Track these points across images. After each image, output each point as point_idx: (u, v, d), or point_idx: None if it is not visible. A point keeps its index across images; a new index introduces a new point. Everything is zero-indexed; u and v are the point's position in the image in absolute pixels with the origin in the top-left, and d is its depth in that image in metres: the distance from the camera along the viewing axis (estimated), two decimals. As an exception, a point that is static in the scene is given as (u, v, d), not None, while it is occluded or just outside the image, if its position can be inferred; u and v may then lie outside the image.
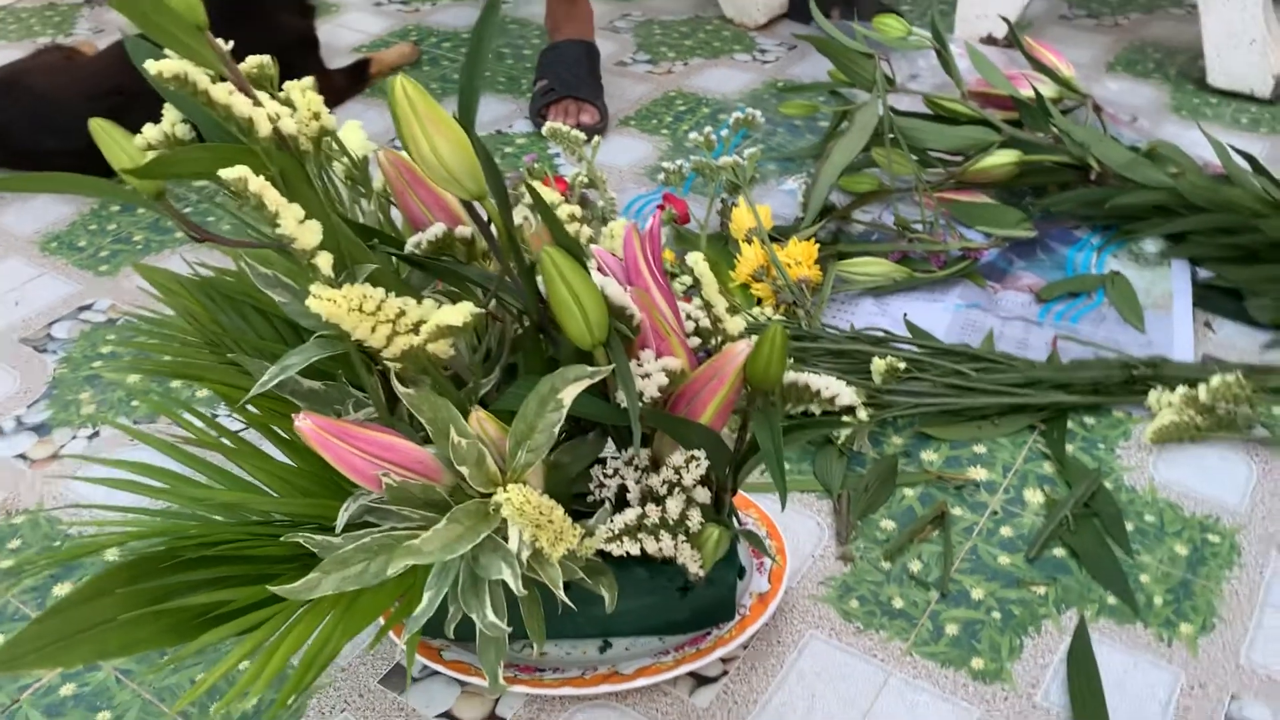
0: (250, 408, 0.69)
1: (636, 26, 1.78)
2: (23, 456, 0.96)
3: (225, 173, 0.51)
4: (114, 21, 1.83)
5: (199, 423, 0.71)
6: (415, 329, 0.57)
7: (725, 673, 0.76)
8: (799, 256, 1.08)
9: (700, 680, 0.76)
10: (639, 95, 1.56)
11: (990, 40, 1.62)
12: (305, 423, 0.56)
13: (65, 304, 1.16)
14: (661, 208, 1.22)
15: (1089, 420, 0.97)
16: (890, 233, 1.18)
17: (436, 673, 0.75)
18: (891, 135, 1.19)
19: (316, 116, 0.61)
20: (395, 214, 0.83)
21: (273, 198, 0.52)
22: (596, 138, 1.15)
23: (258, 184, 0.52)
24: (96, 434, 0.98)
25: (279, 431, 0.70)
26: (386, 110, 1.66)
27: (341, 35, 1.77)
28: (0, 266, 1.22)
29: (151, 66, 0.53)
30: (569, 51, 1.52)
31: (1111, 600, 0.81)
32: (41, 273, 1.21)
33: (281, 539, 0.61)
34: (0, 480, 0.94)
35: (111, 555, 0.84)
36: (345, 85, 1.55)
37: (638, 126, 1.48)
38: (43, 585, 0.84)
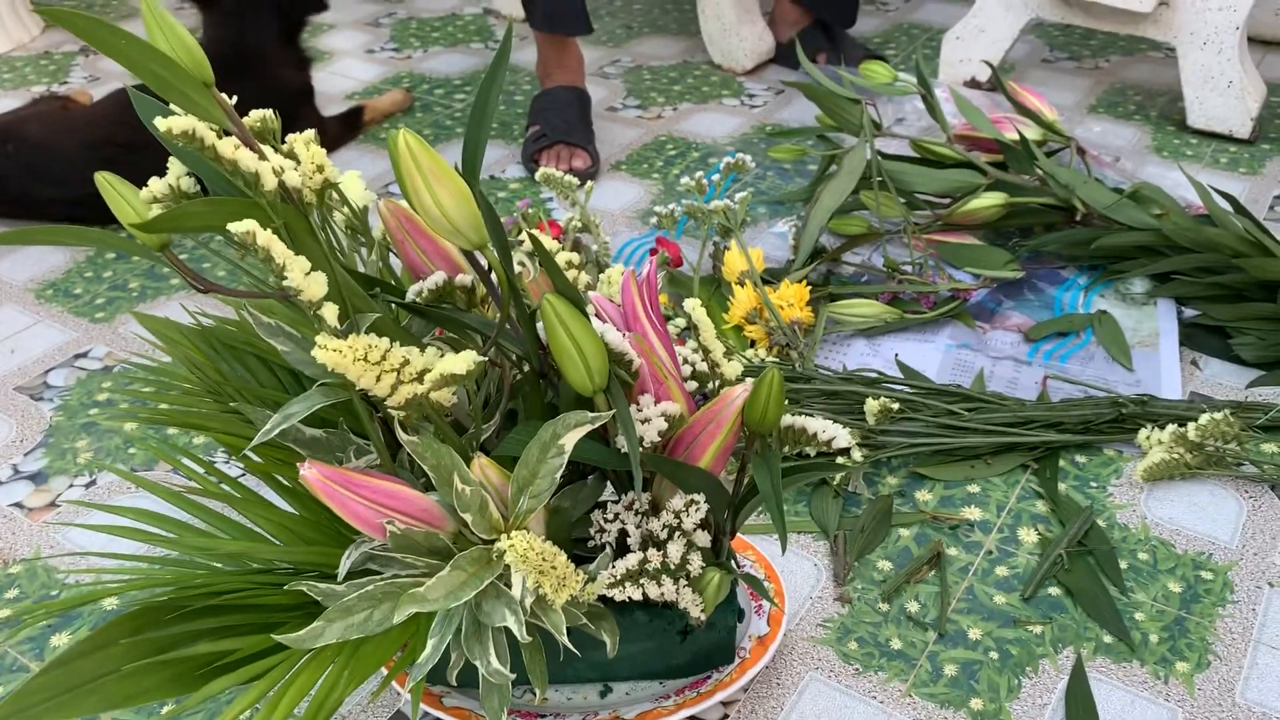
0: (252, 455, 0.69)
1: (626, 72, 1.81)
2: (19, 505, 0.96)
3: (234, 227, 0.52)
4: (109, 70, 1.85)
5: (200, 470, 0.71)
6: (419, 377, 0.58)
7: (726, 716, 0.76)
8: (791, 298, 1.10)
9: (701, 724, 0.76)
10: (629, 140, 1.58)
11: (973, 84, 1.66)
12: (311, 472, 0.56)
13: (61, 351, 1.16)
14: (654, 251, 1.24)
15: (1080, 459, 0.98)
16: (880, 274, 1.20)
17: None
18: (879, 179, 1.21)
19: (320, 169, 0.62)
20: (394, 261, 0.84)
21: (280, 250, 0.53)
22: (589, 182, 1.17)
23: (265, 237, 0.53)
24: (93, 482, 0.99)
25: (280, 479, 0.71)
26: (380, 157, 1.68)
27: (334, 82, 1.79)
28: (-5, 315, 1.22)
29: (161, 124, 0.54)
30: (560, 97, 1.54)
31: (1108, 638, 0.81)
32: (37, 320, 1.21)
33: (285, 587, 0.61)
34: (-4, 529, 0.94)
35: (110, 604, 0.84)
36: (339, 133, 1.57)
37: (629, 171, 1.50)
38: (40, 635, 0.84)
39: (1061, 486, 0.95)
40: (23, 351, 1.16)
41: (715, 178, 1.21)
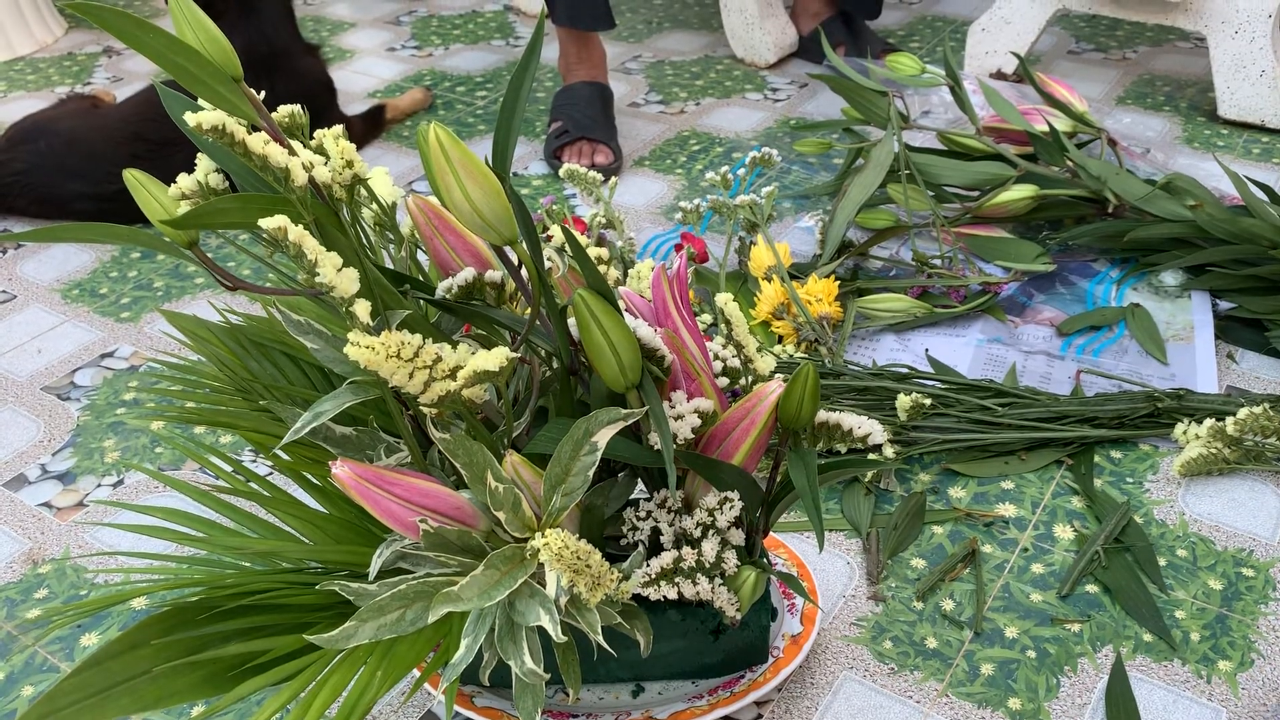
0: (281, 454, 0.69)
1: (648, 67, 1.80)
2: (47, 505, 0.96)
3: (265, 223, 0.52)
4: (132, 70, 1.86)
5: (229, 468, 0.70)
6: (452, 374, 0.57)
7: (760, 716, 0.75)
8: (819, 293, 1.08)
9: (735, 724, 0.75)
10: (652, 135, 1.57)
11: (999, 76, 1.64)
12: (343, 470, 0.56)
13: (87, 351, 1.16)
14: (679, 247, 1.23)
15: (1116, 454, 0.96)
16: (909, 268, 1.18)
17: (468, 720, 0.75)
18: (907, 171, 1.20)
19: (349, 164, 0.61)
20: (421, 257, 0.83)
21: (311, 246, 0.52)
22: (613, 178, 1.16)
23: (297, 233, 0.52)
24: (121, 481, 0.98)
25: (310, 478, 0.70)
26: (402, 155, 1.67)
27: (356, 81, 1.78)
28: (22, 315, 1.23)
29: (190, 119, 0.53)
30: (582, 93, 1.53)
31: (1148, 637, 0.80)
32: (63, 320, 1.21)
33: (317, 587, 0.61)
34: (26, 530, 0.93)
35: (139, 604, 0.84)
36: (362, 131, 1.57)
37: (652, 166, 1.49)
38: (69, 635, 0.83)
39: (1097, 482, 0.93)
40: (50, 351, 1.16)
41: (740, 172, 1.20)
